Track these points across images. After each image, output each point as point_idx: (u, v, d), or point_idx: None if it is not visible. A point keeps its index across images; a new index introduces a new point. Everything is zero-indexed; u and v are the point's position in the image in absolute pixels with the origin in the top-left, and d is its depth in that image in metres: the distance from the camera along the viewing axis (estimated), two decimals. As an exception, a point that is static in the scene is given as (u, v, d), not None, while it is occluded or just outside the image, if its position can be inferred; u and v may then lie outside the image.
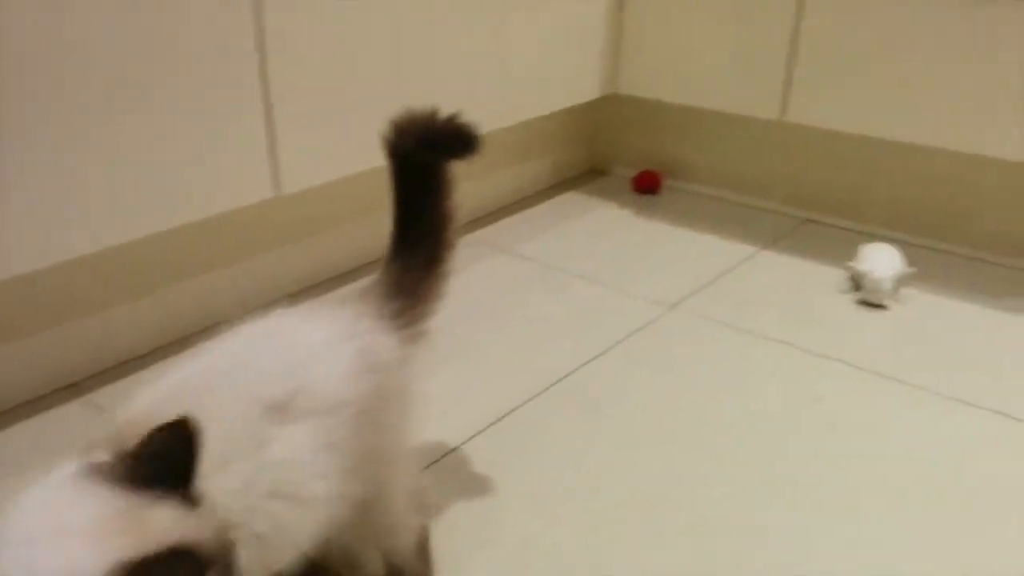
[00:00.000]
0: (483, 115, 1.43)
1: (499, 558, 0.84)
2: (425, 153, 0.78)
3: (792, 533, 0.88)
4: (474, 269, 1.47)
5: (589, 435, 1.03)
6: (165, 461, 0.51)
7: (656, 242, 1.59)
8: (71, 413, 1.05)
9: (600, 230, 1.65)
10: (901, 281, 1.33)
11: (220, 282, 1.27)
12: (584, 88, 1.64)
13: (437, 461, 0.98)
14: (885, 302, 1.33)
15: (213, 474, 0.54)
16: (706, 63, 1.56)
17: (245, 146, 1.09)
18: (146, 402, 0.61)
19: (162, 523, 0.49)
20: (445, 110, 0.78)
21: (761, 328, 1.28)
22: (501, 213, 1.73)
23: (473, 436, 1.03)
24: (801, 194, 1.69)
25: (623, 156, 1.95)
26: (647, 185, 1.84)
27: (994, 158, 1.34)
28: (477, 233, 1.63)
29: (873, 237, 1.53)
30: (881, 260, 1.34)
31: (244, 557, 0.56)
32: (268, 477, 0.60)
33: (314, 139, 1.17)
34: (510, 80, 1.46)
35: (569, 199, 1.82)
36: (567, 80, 1.59)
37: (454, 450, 1.00)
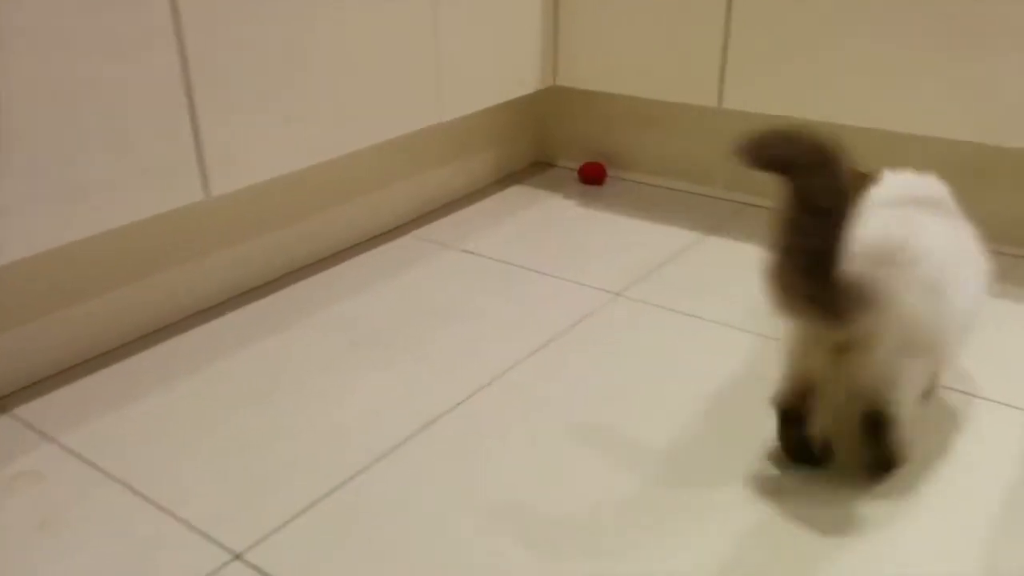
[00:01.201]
0: (421, 112, 1.45)
1: (430, 560, 0.84)
2: None
3: (740, 519, 0.88)
4: (419, 266, 1.46)
5: (531, 429, 1.03)
6: None
7: (602, 232, 1.60)
8: None
9: (546, 222, 1.65)
10: None
11: (139, 294, 1.24)
12: (523, 81, 1.63)
13: (382, 459, 0.97)
14: None
15: None
16: (642, 52, 1.56)
17: (171, 149, 1.07)
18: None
19: None
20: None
21: (705, 312, 1.29)
22: (446, 209, 1.73)
23: (414, 434, 1.02)
24: (741, 180, 1.71)
25: (568, 148, 1.95)
26: (591, 176, 1.84)
27: (924, 136, 1.37)
28: (422, 230, 1.62)
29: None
30: None
31: None
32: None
33: (242, 139, 1.15)
34: (448, 76, 1.45)
35: (515, 192, 1.82)
36: (506, 74, 1.59)
37: (397, 447, 0.99)
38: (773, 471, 0.94)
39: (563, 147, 1.96)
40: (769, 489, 0.91)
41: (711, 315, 1.28)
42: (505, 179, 1.90)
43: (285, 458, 0.98)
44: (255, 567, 0.83)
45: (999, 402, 1.05)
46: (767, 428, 1.01)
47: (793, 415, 0.89)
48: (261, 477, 0.95)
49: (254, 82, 1.14)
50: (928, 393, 1.01)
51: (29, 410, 1.07)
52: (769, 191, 1.67)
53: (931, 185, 1.03)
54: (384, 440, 1.00)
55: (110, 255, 1.18)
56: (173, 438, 1.01)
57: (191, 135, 1.09)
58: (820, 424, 0.90)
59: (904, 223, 0.87)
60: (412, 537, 0.86)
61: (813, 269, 0.74)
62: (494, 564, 0.82)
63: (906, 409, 0.86)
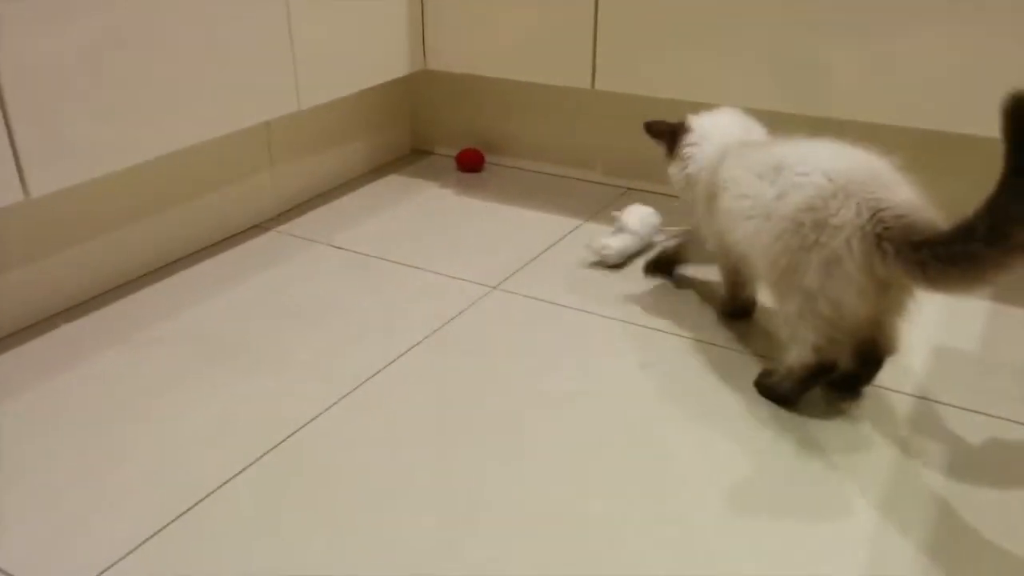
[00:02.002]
0: (276, 100, 1.35)
1: (294, 586, 0.76)
2: None
3: (621, 520, 0.84)
4: (280, 265, 1.37)
5: (395, 439, 0.96)
6: None
7: (480, 221, 1.53)
8: None
9: (422, 213, 1.57)
10: (646, 243, 1.39)
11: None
12: (390, 66, 1.55)
13: (233, 479, 0.88)
14: (610, 264, 1.36)
15: None
16: (513, 34, 1.50)
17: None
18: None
19: None
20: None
21: (584, 302, 1.24)
22: (316, 202, 1.63)
23: (264, 454, 0.93)
24: (620, 164, 1.68)
25: (446, 135, 1.88)
26: (469, 163, 1.78)
27: (796, 114, 1.36)
28: (287, 225, 1.52)
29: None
30: (631, 221, 1.37)
31: None
32: None
33: (67, 134, 1.03)
34: (305, 62, 1.35)
35: (390, 182, 1.74)
36: (370, 59, 1.50)
37: (249, 467, 0.90)
38: (674, 465, 0.90)
39: (441, 134, 1.89)
40: (675, 490, 0.87)
41: (592, 307, 1.23)
42: (380, 168, 1.81)
43: (116, 489, 0.88)
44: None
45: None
46: (658, 420, 0.97)
47: (830, 364, 0.96)
48: (89, 512, 0.84)
49: (79, 71, 1.02)
50: None
51: None
52: (648, 175, 1.64)
53: (743, 117, 1.18)
54: (235, 460, 0.91)
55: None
56: (-11, 472, 0.90)
57: (3, 128, 0.96)
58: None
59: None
60: (270, 563, 0.78)
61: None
62: (349, 594, 0.75)
63: None
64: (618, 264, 1.36)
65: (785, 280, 0.94)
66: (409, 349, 1.12)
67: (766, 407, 1.00)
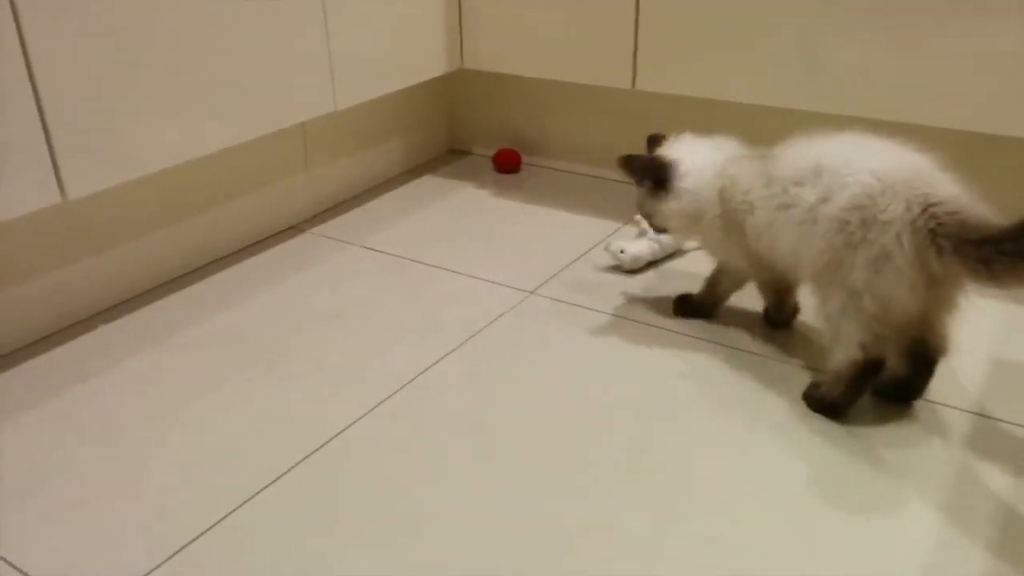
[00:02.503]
0: (313, 101, 1.34)
1: (327, 600, 0.75)
2: None
3: (666, 538, 0.81)
4: (317, 267, 1.36)
5: (431, 448, 0.94)
6: None
7: (517, 223, 1.51)
8: None
9: (458, 215, 1.56)
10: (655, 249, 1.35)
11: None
12: (426, 66, 1.53)
13: (270, 486, 0.87)
14: (625, 269, 1.33)
15: None
16: (552, 33, 1.47)
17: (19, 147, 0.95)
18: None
19: None
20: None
21: (622, 309, 1.21)
22: (351, 203, 1.62)
23: (298, 463, 0.92)
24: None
25: (483, 135, 1.86)
26: (506, 164, 1.75)
27: (837, 115, 1.32)
28: (323, 226, 1.51)
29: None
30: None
31: None
32: None
33: (103, 135, 1.03)
34: (346, 62, 1.34)
35: (426, 183, 1.72)
36: (407, 59, 1.49)
37: (286, 474, 0.89)
38: (720, 470, 0.87)
39: (478, 134, 1.87)
40: (726, 498, 0.84)
41: (630, 314, 1.20)
42: (416, 168, 1.80)
43: (153, 494, 0.87)
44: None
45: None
46: (700, 431, 0.94)
47: (879, 362, 0.94)
48: (123, 519, 0.84)
49: (116, 75, 1.02)
50: None
51: None
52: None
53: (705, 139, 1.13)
54: (269, 469, 0.90)
55: (-44, 269, 1.05)
56: (23, 477, 0.90)
57: (40, 131, 0.96)
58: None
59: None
60: (304, 574, 0.77)
61: None
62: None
63: None
64: (633, 270, 1.33)
65: (827, 278, 0.93)
66: (444, 355, 1.11)
67: (816, 420, 0.96)
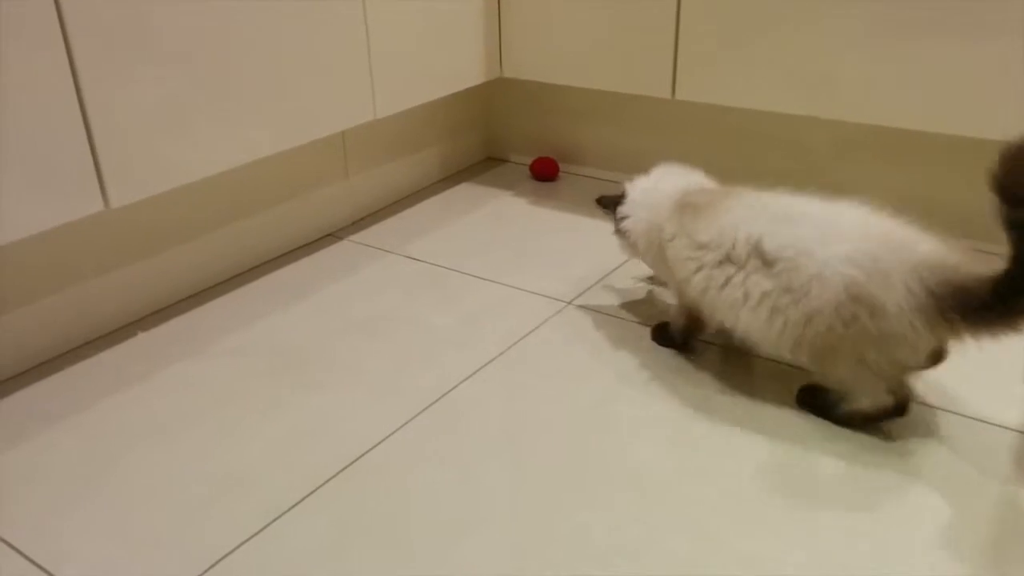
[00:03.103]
0: (353, 109, 1.34)
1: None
2: None
3: (707, 562, 0.79)
4: (355, 275, 1.36)
5: (468, 463, 0.93)
6: None
7: (554, 232, 1.50)
8: None
9: (495, 223, 1.55)
10: None
11: (26, 319, 1.13)
12: (466, 74, 1.53)
13: (306, 499, 0.87)
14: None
15: None
16: (591, 42, 1.46)
17: (64, 156, 0.96)
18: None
19: None
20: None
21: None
22: (389, 210, 1.62)
23: (338, 473, 0.92)
24: (702, 173, 1.62)
25: (520, 143, 1.85)
26: (544, 172, 1.75)
27: (879, 126, 1.29)
28: (361, 234, 1.51)
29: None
30: None
31: None
32: None
33: (145, 144, 1.04)
34: (386, 71, 1.34)
35: (463, 190, 1.72)
36: (446, 67, 1.48)
37: (323, 486, 0.89)
38: (765, 490, 0.85)
39: (515, 142, 1.86)
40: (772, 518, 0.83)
41: (667, 324, 1.19)
42: (454, 176, 1.80)
43: (189, 505, 0.87)
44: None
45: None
46: (740, 450, 0.92)
47: (907, 401, 0.95)
48: (158, 531, 0.84)
49: (159, 84, 1.03)
50: None
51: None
52: (728, 183, 1.58)
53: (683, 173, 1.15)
54: (305, 481, 0.90)
55: None
56: (61, 485, 0.91)
57: (85, 140, 0.97)
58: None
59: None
60: (328, 596, 0.76)
61: None
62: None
63: None
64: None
65: (826, 354, 0.91)
66: (482, 367, 1.10)
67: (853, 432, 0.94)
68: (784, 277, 0.91)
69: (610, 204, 1.18)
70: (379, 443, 0.96)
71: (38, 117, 0.92)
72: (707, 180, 1.14)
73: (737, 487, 0.88)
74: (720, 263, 0.97)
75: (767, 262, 0.92)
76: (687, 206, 1.04)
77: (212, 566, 0.79)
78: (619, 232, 1.16)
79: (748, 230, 0.94)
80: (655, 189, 1.13)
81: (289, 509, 0.86)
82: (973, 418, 0.97)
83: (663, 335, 1.14)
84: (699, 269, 0.99)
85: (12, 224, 0.93)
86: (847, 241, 0.88)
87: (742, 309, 0.95)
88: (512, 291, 1.30)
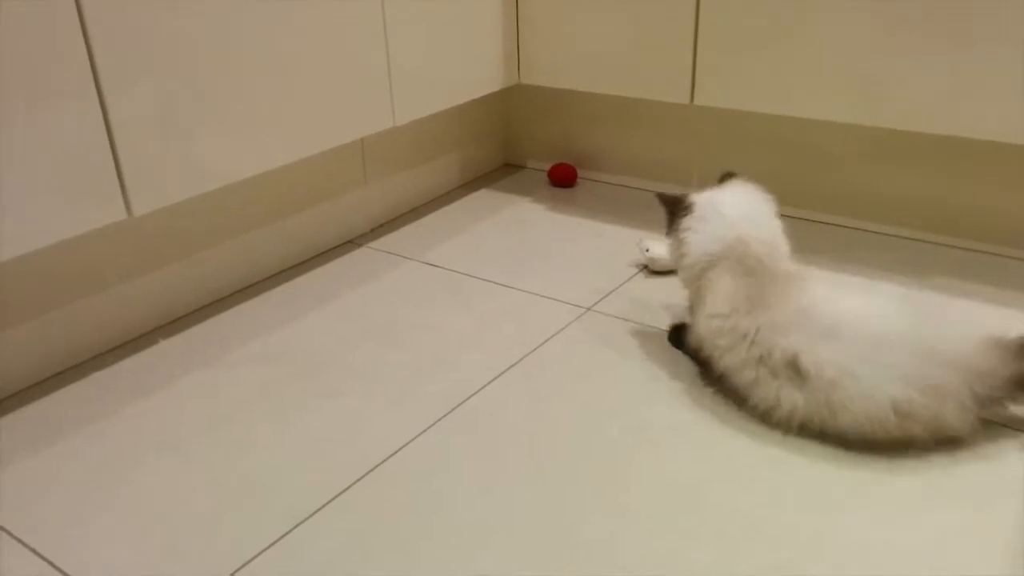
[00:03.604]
0: (372, 116, 1.34)
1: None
2: None
3: (715, 560, 0.79)
4: (374, 282, 1.36)
5: (487, 472, 0.92)
6: None
7: (573, 238, 1.50)
8: None
9: (514, 229, 1.55)
10: None
11: (45, 328, 1.14)
12: (484, 81, 1.53)
13: (324, 507, 0.87)
14: (653, 270, 1.35)
15: None
16: (609, 48, 1.46)
17: (87, 164, 0.96)
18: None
19: None
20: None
21: (680, 328, 1.19)
22: (408, 217, 1.62)
23: (356, 481, 0.92)
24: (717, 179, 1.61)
25: (538, 149, 1.85)
26: (561, 178, 1.74)
27: (903, 131, 1.28)
28: (380, 241, 1.52)
29: (793, 220, 1.49)
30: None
31: None
32: None
33: (167, 152, 1.04)
34: (405, 78, 1.34)
35: (482, 197, 1.72)
36: (464, 74, 1.49)
37: (341, 494, 0.89)
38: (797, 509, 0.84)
39: (533, 148, 1.86)
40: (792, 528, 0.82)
41: (687, 330, 1.18)
42: (472, 183, 1.80)
43: (209, 512, 0.87)
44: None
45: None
46: (763, 458, 0.91)
47: None
48: (182, 535, 0.84)
49: (180, 92, 1.03)
50: None
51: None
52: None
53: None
54: (323, 490, 0.90)
55: (16, 284, 1.07)
56: (83, 492, 0.91)
57: (108, 149, 0.98)
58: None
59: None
60: (349, 604, 0.76)
61: None
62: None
63: None
64: (657, 272, 1.34)
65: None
66: (501, 373, 1.09)
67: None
68: (822, 393, 0.89)
69: (673, 207, 1.09)
70: (399, 450, 0.96)
71: (61, 125, 0.93)
72: (771, 209, 1.06)
73: (765, 496, 0.87)
74: (753, 361, 0.94)
75: (803, 375, 0.90)
76: (740, 268, 0.99)
77: (233, 574, 0.79)
78: (676, 241, 1.08)
79: (786, 343, 0.91)
80: (724, 214, 1.04)
81: (309, 517, 0.86)
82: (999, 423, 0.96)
83: (679, 339, 1.12)
84: (731, 349, 0.97)
85: (34, 232, 0.93)
86: (894, 357, 0.87)
87: (769, 407, 0.95)
88: (531, 297, 1.29)
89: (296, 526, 0.85)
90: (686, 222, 1.06)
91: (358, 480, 0.91)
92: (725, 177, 1.13)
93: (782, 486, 0.88)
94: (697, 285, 1.04)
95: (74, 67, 0.93)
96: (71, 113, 0.93)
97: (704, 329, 1.00)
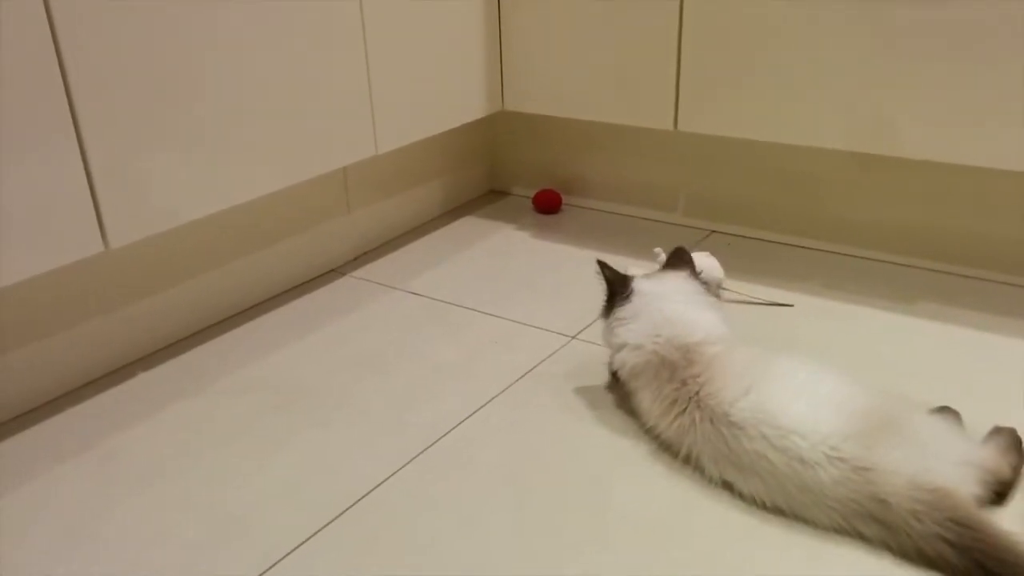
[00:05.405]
0: (354, 145, 1.34)
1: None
2: None
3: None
4: (357, 311, 1.35)
5: (470, 505, 0.91)
6: None
7: (558, 265, 1.49)
8: None
9: (499, 256, 1.54)
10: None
11: (24, 360, 1.12)
12: (467, 108, 1.53)
13: (306, 542, 0.85)
14: None
15: None
16: (592, 74, 1.46)
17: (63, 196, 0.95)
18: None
19: None
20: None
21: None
22: (392, 244, 1.61)
23: (339, 515, 0.90)
24: (703, 204, 1.62)
25: (523, 176, 1.85)
26: (547, 204, 1.74)
27: (891, 157, 1.28)
28: (362, 270, 1.51)
29: (779, 245, 1.49)
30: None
31: None
32: None
33: (144, 183, 1.03)
34: (388, 106, 1.34)
35: (466, 224, 1.71)
36: (447, 101, 1.48)
37: (322, 529, 0.87)
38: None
39: (518, 174, 1.86)
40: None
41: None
42: (457, 210, 1.79)
43: (190, 546, 0.85)
44: None
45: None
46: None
47: None
48: (163, 569, 0.82)
49: (159, 122, 1.03)
50: None
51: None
52: (734, 217, 1.58)
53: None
54: (304, 524, 0.88)
55: None
56: (63, 526, 0.89)
57: (84, 182, 0.97)
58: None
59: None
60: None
61: None
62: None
63: None
64: None
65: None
66: (485, 403, 1.08)
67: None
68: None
69: (613, 288, 1.08)
70: (381, 483, 0.94)
71: (37, 159, 0.92)
72: (710, 294, 1.06)
73: (754, 526, 0.85)
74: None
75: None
76: (660, 377, 0.95)
77: (210, 614, 0.77)
78: (608, 328, 1.06)
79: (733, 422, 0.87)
80: (654, 313, 1.02)
81: (289, 553, 0.84)
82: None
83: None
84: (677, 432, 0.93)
85: (10, 267, 0.92)
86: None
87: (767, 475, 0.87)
88: (515, 325, 1.28)
89: (277, 562, 0.83)
90: (621, 311, 1.04)
91: (341, 514, 0.89)
92: (676, 254, 1.12)
93: (768, 515, 0.87)
94: (627, 387, 1.02)
95: (51, 100, 0.92)
96: (48, 145, 0.92)
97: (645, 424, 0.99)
